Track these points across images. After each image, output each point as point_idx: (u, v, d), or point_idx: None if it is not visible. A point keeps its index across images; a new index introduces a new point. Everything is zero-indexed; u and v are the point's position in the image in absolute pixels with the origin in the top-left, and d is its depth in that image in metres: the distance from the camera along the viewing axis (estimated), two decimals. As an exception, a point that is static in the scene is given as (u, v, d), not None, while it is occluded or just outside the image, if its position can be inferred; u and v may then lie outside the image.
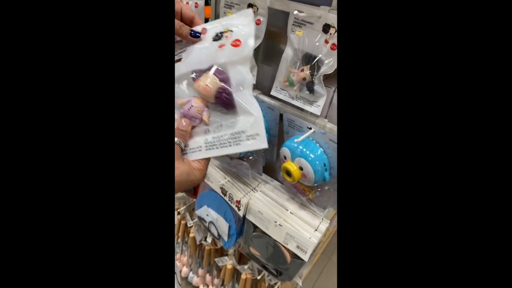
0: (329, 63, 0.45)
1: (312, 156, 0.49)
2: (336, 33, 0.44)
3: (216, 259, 0.83)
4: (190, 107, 0.39)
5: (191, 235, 0.90)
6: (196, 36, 0.41)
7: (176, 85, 0.41)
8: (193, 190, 0.81)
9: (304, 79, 0.48)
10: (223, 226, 0.69)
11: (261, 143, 0.36)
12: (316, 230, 0.56)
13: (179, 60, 0.42)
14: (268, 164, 0.65)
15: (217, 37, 0.41)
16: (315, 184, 0.52)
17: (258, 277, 0.74)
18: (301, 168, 0.50)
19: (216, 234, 0.73)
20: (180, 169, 0.35)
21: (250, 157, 0.60)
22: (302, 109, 0.55)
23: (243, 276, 0.78)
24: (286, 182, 0.59)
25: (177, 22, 0.40)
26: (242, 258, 0.87)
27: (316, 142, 0.50)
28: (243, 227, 0.67)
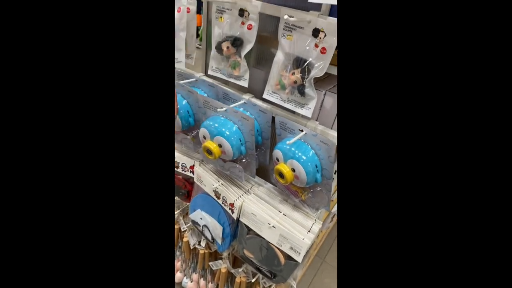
0: (319, 67, 0.47)
1: (304, 157, 0.50)
2: (325, 37, 0.45)
3: (210, 263, 0.83)
4: None
5: (184, 239, 0.89)
6: None
7: None
8: (187, 193, 0.81)
9: (295, 82, 0.49)
10: (217, 229, 0.69)
11: None
12: (309, 231, 0.57)
13: None
14: (261, 166, 0.66)
15: None
16: (308, 186, 0.53)
17: (253, 280, 0.74)
18: (293, 170, 0.51)
19: (210, 238, 0.73)
20: None
21: (243, 160, 0.61)
22: (293, 112, 0.56)
23: (237, 280, 0.78)
24: (279, 184, 0.60)
25: None
26: (236, 262, 0.87)
27: (307, 144, 0.51)
28: (237, 229, 0.67)
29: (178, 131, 0.68)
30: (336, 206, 0.99)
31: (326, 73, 0.48)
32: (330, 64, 0.47)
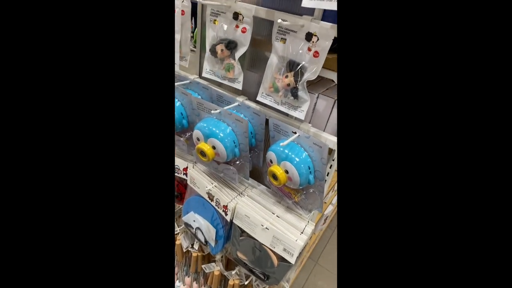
0: (312, 70, 0.47)
1: (297, 159, 0.50)
2: (318, 41, 0.46)
3: (203, 266, 0.82)
4: None
5: (177, 242, 0.88)
6: None
7: None
8: (180, 196, 0.81)
9: (288, 85, 0.50)
10: (210, 231, 0.69)
11: None
12: (302, 232, 0.57)
13: None
14: (254, 168, 0.66)
15: None
16: (301, 187, 0.53)
17: (246, 282, 0.74)
18: (286, 172, 0.51)
19: (203, 240, 0.73)
20: None
21: (237, 162, 0.61)
22: (287, 114, 0.57)
23: (230, 282, 0.77)
24: (273, 186, 0.60)
25: None
26: (229, 265, 0.87)
27: (300, 146, 0.52)
28: (230, 232, 0.67)
29: (172, 133, 0.68)
30: (328, 208, 1.00)
31: (319, 76, 0.49)
32: (323, 67, 0.48)
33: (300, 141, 0.52)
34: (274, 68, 0.52)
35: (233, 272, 0.76)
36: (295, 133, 0.52)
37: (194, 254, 0.86)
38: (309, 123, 0.57)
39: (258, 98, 0.57)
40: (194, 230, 0.74)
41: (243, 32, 0.54)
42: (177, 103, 0.64)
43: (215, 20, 0.57)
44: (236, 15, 0.54)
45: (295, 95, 0.50)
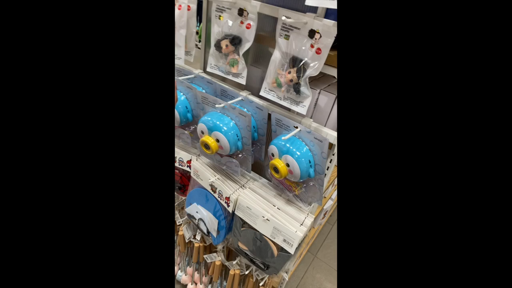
0: (314, 66, 0.49)
1: (298, 153, 0.52)
2: (320, 38, 0.47)
3: (205, 256, 0.84)
4: None
5: (180, 233, 0.91)
6: None
7: None
8: (183, 187, 0.83)
9: (291, 80, 0.51)
10: (212, 222, 0.71)
11: None
12: (301, 224, 0.59)
13: None
14: (256, 162, 0.68)
15: None
16: (301, 180, 0.55)
17: (246, 272, 0.76)
18: (287, 165, 0.53)
19: (205, 231, 0.75)
20: None
21: (240, 155, 0.63)
22: (289, 109, 0.58)
23: (231, 272, 0.80)
24: (274, 179, 0.62)
25: None
26: (230, 255, 0.89)
27: (302, 141, 0.53)
28: (231, 223, 0.69)
29: (177, 126, 0.70)
30: (327, 203, 1.02)
31: (321, 72, 0.50)
32: (325, 64, 0.49)
33: (302, 135, 0.53)
34: (277, 64, 0.54)
35: (234, 262, 0.78)
36: (297, 127, 0.53)
37: (196, 245, 0.88)
38: (311, 118, 0.59)
39: (261, 93, 0.58)
40: (196, 221, 0.76)
41: (247, 28, 0.55)
42: (182, 97, 0.66)
43: (220, 16, 0.58)
44: (241, 12, 0.55)
45: (297, 90, 0.51)
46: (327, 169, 0.57)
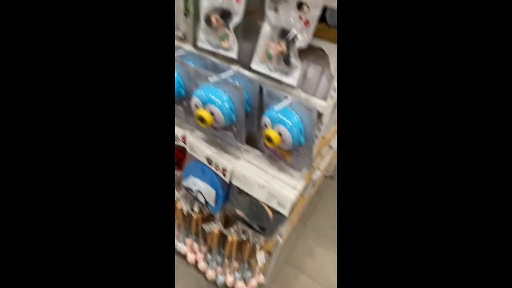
0: (303, 38, 0.51)
1: (289, 123, 0.56)
2: (308, 11, 0.49)
3: (203, 225, 0.89)
4: None
5: (178, 207, 0.95)
6: None
7: None
8: (178, 163, 0.86)
9: (281, 52, 0.53)
10: (210, 193, 0.75)
11: None
12: (294, 188, 0.64)
13: None
14: (249, 136, 0.71)
15: None
16: (293, 147, 0.59)
17: (244, 238, 0.82)
18: (280, 134, 0.57)
19: (203, 202, 0.79)
20: None
21: (234, 128, 0.66)
22: (280, 82, 0.61)
23: (229, 239, 0.85)
24: (267, 149, 0.65)
25: None
26: (227, 224, 0.95)
27: (292, 110, 0.57)
28: (228, 192, 0.73)
29: (170, 102, 0.71)
30: (316, 173, 1.07)
31: (309, 45, 0.52)
32: (313, 36, 0.52)
33: (292, 106, 0.56)
34: (267, 36, 0.56)
35: (232, 230, 0.84)
36: (286, 97, 0.56)
37: (194, 217, 0.93)
38: (300, 89, 0.62)
39: (252, 66, 0.60)
40: (194, 193, 0.80)
41: (237, 1, 0.56)
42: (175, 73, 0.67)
43: (209, -11, 0.58)
44: (230, -16, 0.56)
45: (287, 62, 0.54)
46: (316, 138, 0.61)
